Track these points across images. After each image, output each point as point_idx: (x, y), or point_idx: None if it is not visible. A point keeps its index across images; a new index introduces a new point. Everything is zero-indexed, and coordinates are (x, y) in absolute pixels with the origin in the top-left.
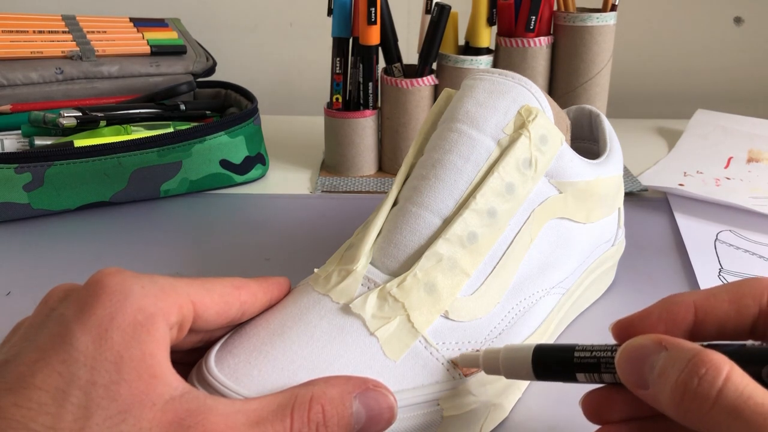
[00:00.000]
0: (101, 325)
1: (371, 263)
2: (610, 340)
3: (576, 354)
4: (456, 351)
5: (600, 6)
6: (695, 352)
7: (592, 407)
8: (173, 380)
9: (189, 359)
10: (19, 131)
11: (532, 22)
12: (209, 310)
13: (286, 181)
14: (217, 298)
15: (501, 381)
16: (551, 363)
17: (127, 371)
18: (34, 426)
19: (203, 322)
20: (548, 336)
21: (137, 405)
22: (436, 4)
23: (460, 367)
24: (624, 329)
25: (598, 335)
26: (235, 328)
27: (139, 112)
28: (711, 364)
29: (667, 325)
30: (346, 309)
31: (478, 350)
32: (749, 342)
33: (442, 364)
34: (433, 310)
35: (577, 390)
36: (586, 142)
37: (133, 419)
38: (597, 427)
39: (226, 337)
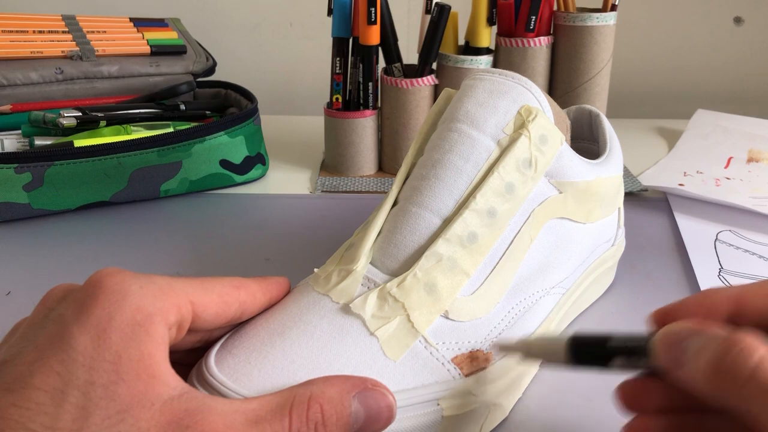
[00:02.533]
0: (100, 326)
1: (371, 263)
2: None
3: (612, 342)
4: (456, 351)
5: (600, 6)
6: (729, 332)
7: (627, 396)
8: (172, 380)
9: (189, 359)
10: (19, 131)
11: (532, 22)
12: (208, 310)
13: (286, 181)
14: (216, 298)
15: (501, 381)
16: (588, 350)
17: (126, 371)
18: (33, 426)
19: (202, 322)
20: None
21: (136, 405)
22: (436, 4)
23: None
24: (662, 317)
25: None
26: (235, 327)
27: (139, 112)
28: (745, 342)
29: (704, 315)
30: (346, 309)
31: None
32: None
33: (442, 364)
34: (433, 310)
35: (576, 391)
36: (586, 142)
37: (132, 419)
38: (599, 426)
39: (225, 337)
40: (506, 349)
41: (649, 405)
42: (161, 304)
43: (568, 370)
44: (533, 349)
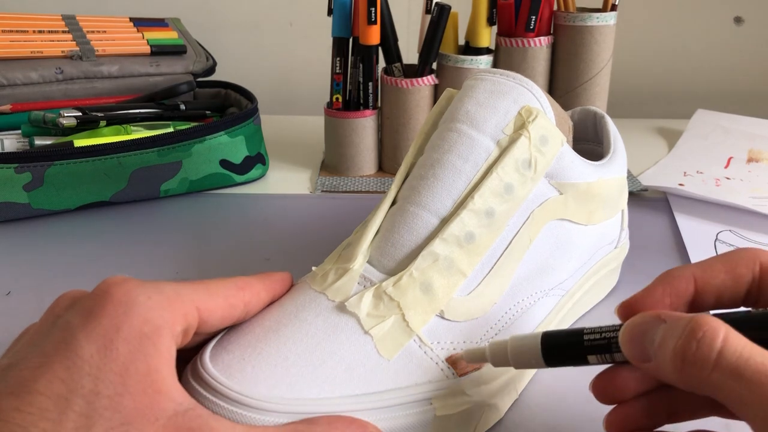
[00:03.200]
0: (107, 336)
1: (368, 262)
2: None
3: (585, 337)
4: (451, 351)
5: (600, 6)
6: (690, 318)
7: (602, 388)
8: (177, 396)
9: (191, 356)
10: (19, 131)
11: (532, 22)
12: (214, 315)
13: (286, 181)
14: (222, 302)
15: (496, 382)
16: (561, 348)
17: (132, 384)
18: (35, 431)
19: (208, 326)
20: None
21: (140, 419)
22: (436, 4)
23: (462, 364)
24: (628, 308)
25: None
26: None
27: (139, 112)
28: (707, 327)
29: (671, 298)
30: (341, 307)
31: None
32: (752, 309)
33: (437, 363)
34: (429, 309)
35: (575, 392)
36: (591, 143)
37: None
38: (597, 428)
39: (222, 333)
40: (473, 358)
41: (625, 393)
42: (168, 316)
43: (541, 369)
44: (503, 354)
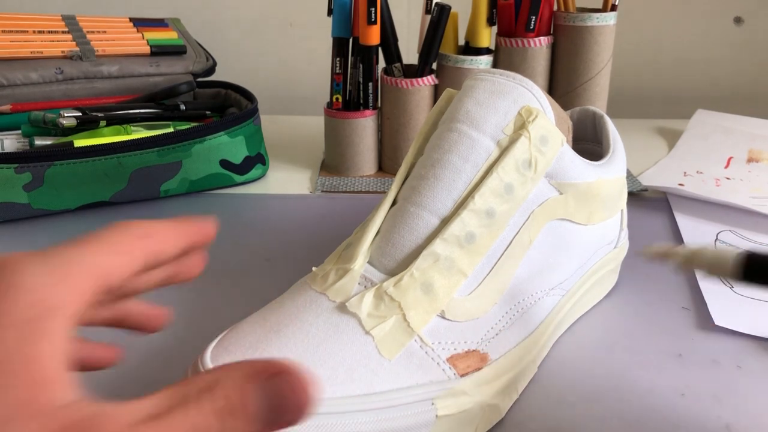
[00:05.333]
0: None
1: (369, 262)
2: (612, 342)
3: None
4: (452, 351)
5: (600, 6)
6: None
7: None
8: (66, 386)
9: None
10: (19, 131)
11: (532, 22)
12: (118, 275)
13: (286, 181)
14: (126, 259)
15: (497, 382)
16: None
17: (15, 375)
18: None
19: (116, 288)
20: (547, 337)
21: (23, 413)
22: (436, 4)
23: (463, 365)
24: None
25: (600, 337)
26: (233, 325)
27: (139, 112)
28: None
29: None
30: (342, 308)
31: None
32: None
33: (438, 363)
34: (429, 309)
35: (575, 392)
36: (590, 143)
37: (17, 428)
38: (597, 428)
39: (223, 333)
40: (662, 254)
41: None
42: (61, 294)
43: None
44: (698, 258)
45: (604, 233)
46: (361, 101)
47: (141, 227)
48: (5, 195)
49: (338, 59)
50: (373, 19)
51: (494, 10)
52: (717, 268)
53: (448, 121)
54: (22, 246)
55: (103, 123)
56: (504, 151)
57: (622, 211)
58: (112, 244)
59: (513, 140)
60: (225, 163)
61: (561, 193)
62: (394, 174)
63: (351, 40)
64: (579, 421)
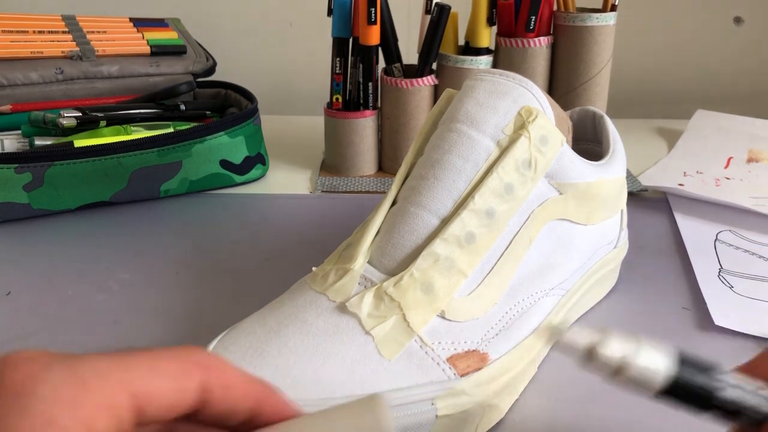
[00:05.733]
0: None
1: (369, 262)
2: None
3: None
4: (452, 351)
5: (600, 6)
6: None
7: None
8: None
9: None
10: (19, 131)
11: (532, 22)
12: (158, 402)
13: (286, 181)
14: (170, 384)
15: (497, 382)
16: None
17: None
18: None
19: (152, 415)
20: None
21: None
22: (436, 4)
23: (463, 365)
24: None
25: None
26: (233, 325)
27: (139, 112)
28: None
29: None
30: (342, 308)
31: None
32: None
33: (438, 363)
34: (429, 309)
35: (575, 392)
36: (590, 143)
37: None
38: (597, 428)
39: (223, 333)
40: (568, 348)
41: None
42: (82, 412)
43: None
44: (625, 372)
45: (604, 233)
46: (361, 101)
47: (206, 356)
48: (5, 195)
49: (338, 59)
50: (373, 19)
51: (494, 10)
52: (642, 387)
53: (448, 121)
54: (22, 246)
55: (103, 123)
56: (504, 151)
57: (622, 211)
58: (160, 360)
59: (513, 140)
60: (225, 163)
61: (561, 193)
62: (394, 174)
63: (351, 40)
64: (579, 421)
